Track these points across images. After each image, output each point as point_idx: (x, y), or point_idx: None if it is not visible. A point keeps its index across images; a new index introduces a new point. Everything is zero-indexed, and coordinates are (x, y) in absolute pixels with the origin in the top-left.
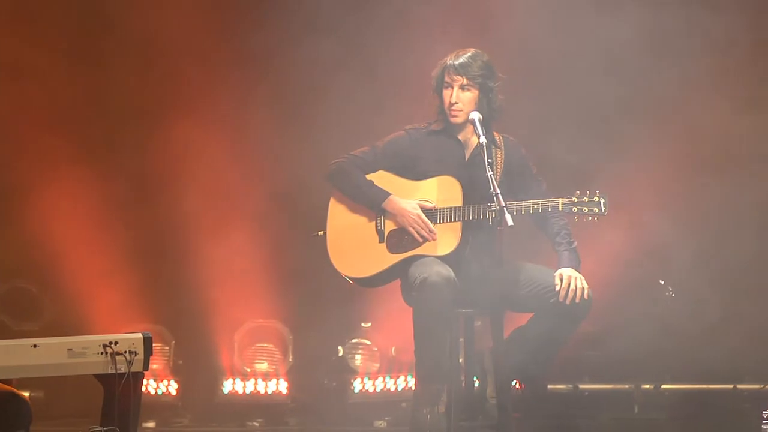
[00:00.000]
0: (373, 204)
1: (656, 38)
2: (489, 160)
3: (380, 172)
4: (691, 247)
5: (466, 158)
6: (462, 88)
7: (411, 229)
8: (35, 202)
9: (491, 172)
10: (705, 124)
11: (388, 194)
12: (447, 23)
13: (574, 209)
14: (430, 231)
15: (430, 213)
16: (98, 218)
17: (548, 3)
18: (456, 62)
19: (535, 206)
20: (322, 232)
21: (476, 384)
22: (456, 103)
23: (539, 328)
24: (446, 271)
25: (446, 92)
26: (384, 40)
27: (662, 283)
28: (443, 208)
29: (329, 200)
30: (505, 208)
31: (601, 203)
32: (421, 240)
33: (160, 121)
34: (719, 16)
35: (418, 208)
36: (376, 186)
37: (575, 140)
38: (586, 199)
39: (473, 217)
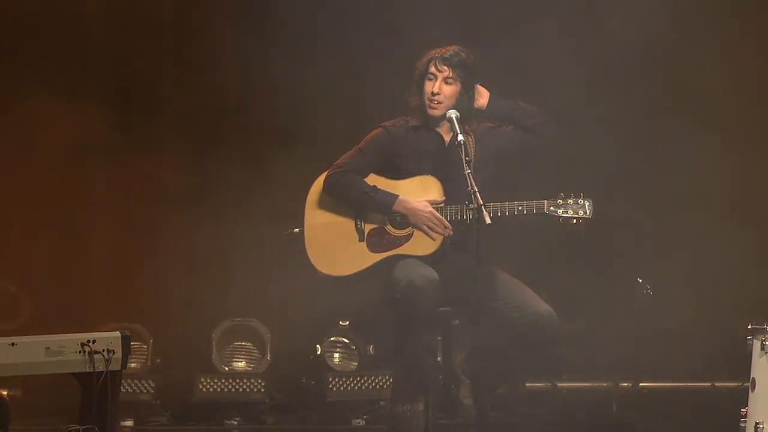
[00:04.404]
0: (383, 207)
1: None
2: (467, 158)
3: (370, 176)
4: (670, 244)
5: (446, 153)
6: (446, 80)
7: (425, 227)
8: (12, 200)
9: (468, 170)
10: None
11: (396, 195)
12: None
13: (560, 212)
14: (446, 227)
15: None
16: (76, 217)
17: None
18: (444, 54)
19: (520, 208)
20: (297, 229)
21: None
22: (438, 93)
23: (503, 342)
24: (430, 273)
25: (429, 83)
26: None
27: (640, 281)
28: None
29: (306, 198)
30: (483, 207)
31: (586, 206)
32: (435, 238)
33: (132, 117)
34: None
35: (429, 206)
36: (382, 189)
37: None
38: (571, 202)
39: (454, 217)
